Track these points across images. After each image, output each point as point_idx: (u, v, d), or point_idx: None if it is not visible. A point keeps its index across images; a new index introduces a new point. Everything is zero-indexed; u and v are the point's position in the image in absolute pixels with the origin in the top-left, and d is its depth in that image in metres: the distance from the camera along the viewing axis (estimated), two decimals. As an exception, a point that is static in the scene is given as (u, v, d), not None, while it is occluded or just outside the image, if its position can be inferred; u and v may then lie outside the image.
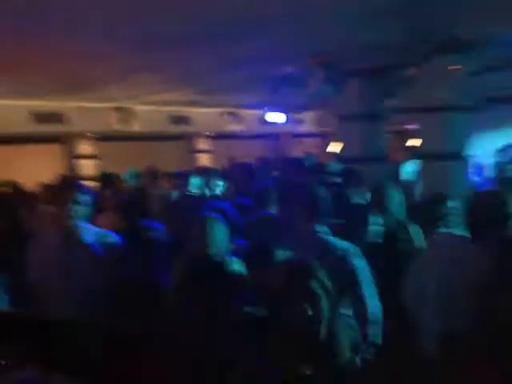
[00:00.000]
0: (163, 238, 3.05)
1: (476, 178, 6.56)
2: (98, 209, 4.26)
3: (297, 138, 12.96)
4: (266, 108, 9.50)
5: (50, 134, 9.13)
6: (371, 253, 2.97)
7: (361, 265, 2.70)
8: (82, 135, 9.79)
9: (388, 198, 3.67)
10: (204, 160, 11.60)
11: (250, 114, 11.93)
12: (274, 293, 2.16)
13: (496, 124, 7.98)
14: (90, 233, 3.01)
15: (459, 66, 5.60)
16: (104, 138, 9.89)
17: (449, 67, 5.58)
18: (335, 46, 5.51)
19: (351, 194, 4.80)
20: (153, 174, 7.07)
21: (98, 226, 3.30)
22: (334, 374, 1.75)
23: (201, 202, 4.61)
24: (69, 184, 3.53)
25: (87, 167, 9.64)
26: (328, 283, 1.92)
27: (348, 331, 2.03)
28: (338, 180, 5.58)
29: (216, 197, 5.55)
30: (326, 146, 10.82)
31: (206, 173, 6.47)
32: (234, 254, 3.04)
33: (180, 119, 10.96)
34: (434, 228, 3.32)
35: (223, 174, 6.42)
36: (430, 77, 5.75)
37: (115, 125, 9.82)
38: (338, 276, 2.46)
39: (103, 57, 5.49)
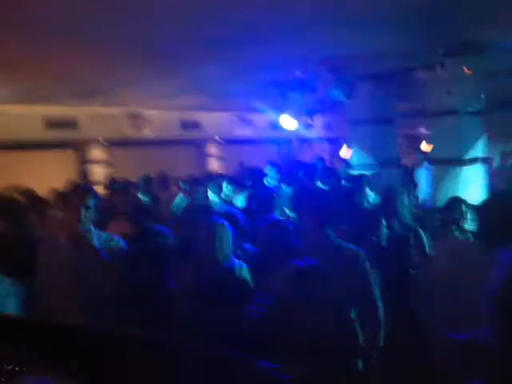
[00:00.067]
0: (172, 244, 3.05)
1: (489, 183, 6.49)
2: (110, 215, 4.28)
3: (307, 143, 12.93)
4: (276, 113, 9.49)
5: (63, 139, 9.20)
6: (382, 257, 2.95)
7: (370, 268, 2.69)
8: (94, 141, 9.86)
9: (399, 202, 3.65)
10: (215, 165, 11.61)
11: (261, 118, 11.93)
12: (283, 297, 2.16)
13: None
14: (99, 238, 3.02)
15: (471, 70, 5.55)
16: (116, 143, 9.96)
17: (461, 71, 5.53)
18: (346, 50, 5.49)
19: (362, 198, 4.78)
20: (163, 180, 7.10)
21: (110, 232, 3.31)
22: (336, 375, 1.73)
23: (210, 208, 4.61)
24: (80, 189, 3.55)
25: (99, 173, 9.69)
26: (337, 286, 1.91)
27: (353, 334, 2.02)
28: (349, 185, 5.56)
29: (225, 202, 5.55)
30: (337, 151, 10.78)
31: (215, 178, 6.48)
32: (243, 259, 3.03)
33: (191, 124, 10.99)
34: (447, 233, 3.28)
35: (234, 179, 6.42)
36: (442, 81, 5.70)
37: (127, 130, 9.87)
38: (350, 277, 2.45)
39: (115, 64, 5.53)
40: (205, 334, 2.49)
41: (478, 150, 5.74)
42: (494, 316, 1.91)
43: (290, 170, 7.72)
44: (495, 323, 1.88)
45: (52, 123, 8.87)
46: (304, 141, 12.88)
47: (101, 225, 3.27)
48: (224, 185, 6.06)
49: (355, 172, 6.19)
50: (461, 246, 2.83)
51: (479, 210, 2.58)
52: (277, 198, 4.46)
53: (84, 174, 9.61)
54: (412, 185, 6.57)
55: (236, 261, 2.96)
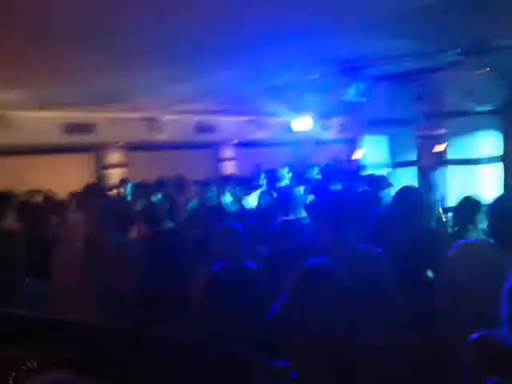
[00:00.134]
0: (187, 245, 3.07)
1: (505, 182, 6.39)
2: (128, 219, 4.32)
3: (323, 145, 12.89)
4: (292, 115, 9.49)
5: (80, 144, 9.35)
6: (401, 257, 2.92)
7: (387, 268, 2.66)
8: (111, 145, 9.99)
9: (418, 203, 3.61)
10: (230, 168, 11.65)
11: (276, 121, 11.94)
12: (295, 297, 2.15)
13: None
14: (116, 239, 3.05)
15: (487, 70, 5.49)
16: (133, 147, 10.07)
17: (478, 70, 5.48)
18: (364, 51, 5.47)
19: (379, 199, 4.74)
20: (180, 183, 7.15)
21: (127, 234, 3.35)
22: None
23: (221, 209, 4.63)
24: (96, 192, 3.60)
25: (117, 176, 9.81)
26: (352, 286, 1.90)
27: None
28: (366, 186, 5.52)
29: (239, 204, 5.57)
30: (353, 153, 10.73)
31: (228, 180, 6.50)
32: (255, 260, 3.04)
33: (206, 128, 11.06)
34: (464, 232, 3.24)
35: (247, 181, 6.43)
36: (460, 80, 5.65)
37: (144, 134, 9.98)
38: (368, 278, 2.43)
39: (132, 69, 5.60)
40: (218, 334, 2.49)
41: (495, 149, 5.67)
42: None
43: (306, 171, 7.71)
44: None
45: (71, 128, 9.03)
46: (320, 142, 12.85)
47: (117, 227, 3.30)
48: (237, 186, 6.08)
49: (371, 173, 6.15)
50: (477, 246, 2.79)
51: (492, 209, 2.55)
52: (292, 199, 4.46)
53: (102, 178, 9.73)
54: (429, 185, 6.50)
55: (248, 262, 2.96)
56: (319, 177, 6.31)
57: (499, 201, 2.65)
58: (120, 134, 9.62)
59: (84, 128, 9.20)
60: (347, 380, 2.04)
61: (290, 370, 1.35)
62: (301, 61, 5.75)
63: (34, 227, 3.69)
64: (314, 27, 4.41)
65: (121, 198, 5.69)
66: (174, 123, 10.31)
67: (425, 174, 7.27)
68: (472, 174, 5.47)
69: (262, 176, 5.89)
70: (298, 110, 8.02)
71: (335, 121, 12.82)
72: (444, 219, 4.03)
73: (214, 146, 11.74)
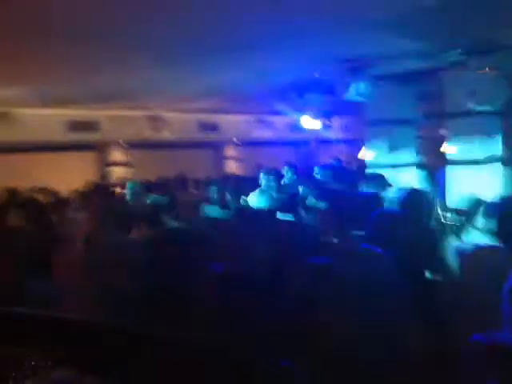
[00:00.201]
0: (191, 244, 3.09)
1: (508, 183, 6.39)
2: (130, 218, 4.34)
3: (325, 145, 12.89)
4: (295, 115, 9.49)
5: (84, 141, 9.38)
6: (404, 259, 2.93)
7: (388, 269, 2.66)
8: (114, 143, 10.02)
9: (420, 204, 3.62)
10: (233, 167, 11.66)
11: (279, 120, 11.95)
12: (299, 297, 2.17)
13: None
14: (117, 237, 3.07)
15: (492, 70, 5.48)
16: (136, 145, 10.10)
17: (481, 71, 5.47)
18: (366, 50, 5.47)
19: (381, 199, 4.75)
20: (182, 181, 7.17)
21: (129, 232, 3.37)
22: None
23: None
24: (99, 191, 3.63)
25: (119, 174, 9.84)
26: (355, 287, 1.92)
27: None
28: (368, 186, 5.52)
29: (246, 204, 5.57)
30: (355, 153, 10.73)
31: (231, 179, 6.51)
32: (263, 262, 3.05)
33: (209, 126, 11.08)
34: (466, 232, 3.26)
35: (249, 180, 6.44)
36: (463, 81, 5.65)
37: (147, 132, 10.00)
38: (371, 278, 2.44)
39: (136, 68, 5.62)
40: (225, 334, 2.52)
41: (497, 149, 5.67)
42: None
43: (308, 171, 7.72)
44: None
45: (75, 126, 9.06)
46: (322, 142, 12.85)
47: (119, 226, 3.33)
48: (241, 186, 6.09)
49: (374, 173, 6.16)
50: (482, 247, 2.80)
51: (495, 209, 2.56)
52: (295, 198, 4.48)
53: (105, 176, 9.77)
54: (432, 186, 6.50)
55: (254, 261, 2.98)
56: (321, 176, 6.31)
57: (504, 201, 2.66)
58: (123, 132, 9.65)
59: (87, 126, 9.24)
60: (348, 381, 2.06)
61: (294, 369, 1.37)
62: (302, 60, 5.76)
63: (37, 225, 3.72)
64: (315, 26, 4.43)
65: (123, 197, 5.71)
66: (178, 121, 10.33)
67: (427, 175, 7.27)
68: (475, 175, 5.48)
69: (262, 176, 5.89)
70: (300, 109, 8.03)
71: (337, 120, 12.81)
72: (447, 220, 4.04)
73: (216, 145, 11.76)
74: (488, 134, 5.63)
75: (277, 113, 9.87)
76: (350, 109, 8.33)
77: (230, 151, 11.94)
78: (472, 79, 5.56)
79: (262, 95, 8.20)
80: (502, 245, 2.54)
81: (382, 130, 6.77)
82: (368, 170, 6.83)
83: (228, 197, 5.63)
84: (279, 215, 4.27)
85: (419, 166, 7.19)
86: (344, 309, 2.05)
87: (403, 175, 6.18)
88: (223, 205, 4.97)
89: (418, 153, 7.16)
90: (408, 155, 6.79)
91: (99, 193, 4.65)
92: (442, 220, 4.32)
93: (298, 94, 7.03)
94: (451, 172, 6.03)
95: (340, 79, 6.20)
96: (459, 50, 5.39)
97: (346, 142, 12.84)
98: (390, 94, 6.66)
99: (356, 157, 9.85)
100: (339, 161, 8.91)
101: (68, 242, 3.19)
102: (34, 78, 5.96)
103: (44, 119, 8.57)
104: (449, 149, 6.33)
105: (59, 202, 5.15)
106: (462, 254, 3.11)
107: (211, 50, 4.94)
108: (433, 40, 5.09)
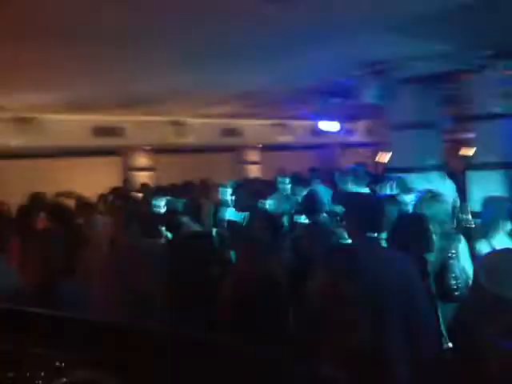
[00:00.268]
0: (211, 247, 3.12)
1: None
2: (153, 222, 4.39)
3: (348, 149, 12.82)
4: (317, 119, 9.48)
5: (108, 146, 9.53)
6: (422, 264, 2.90)
7: (415, 273, 2.60)
8: (138, 148, 10.15)
9: (441, 207, 3.57)
10: (255, 171, 11.69)
11: (301, 124, 11.93)
12: (320, 299, 2.17)
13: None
14: (142, 240, 3.11)
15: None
16: (160, 150, 10.22)
17: (504, 73, 5.37)
18: (387, 54, 5.43)
19: (403, 203, 4.70)
20: (205, 186, 7.21)
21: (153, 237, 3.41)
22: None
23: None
24: (123, 196, 3.68)
25: (143, 179, 9.96)
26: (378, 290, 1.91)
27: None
28: (389, 190, 5.47)
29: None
30: (378, 156, 10.64)
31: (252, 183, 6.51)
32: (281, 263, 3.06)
33: (231, 131, 11.13)
34: (490, 236, 3.20)
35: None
36: (489, 83, 5.55)
37: (170, 138, 10.10)
38: (394, 282, 2.42)
39: (160, 72, 5.68)
40: (244, 335, 2.52)
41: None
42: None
43: (331, 175, 7.68)
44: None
45: (99, 131, 9.21)
46: (345, 146, 12.78)
47: (142, 229, 3.37)
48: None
49: (395, 176, 6.08)
50: (501, 255, 2.74)
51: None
52: (317, 202, 4.47)
53: (129, 181, 9.89)
54: (456, 190, 6.40)
55: (273, 265, 2.99)
56: (342, 180, 6.27)
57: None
58: (147, 138, 9.77)
59: (112, 131, 9.38)
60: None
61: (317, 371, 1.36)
62: (326, 63, 5.73)
63: (63, 228, 3.79)
64: (339, 30, 4.40)
65: (146, 202, 5.78)
66: (200, 126, 10.41)
67: (451, 178, 7.16)
68: (501, 179, 5.37)
69: (281, 180, 5.90)
70: (323, 113, 8.01)
71: (360, 124, 12.74)
72: (470, 223, 3.97)
73: (238, 150, 11.81)
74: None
75: (299, 117, 9.87)
76: (373, 112, 8.27)
77: (251, 155, 11.98)
78: (498, 81, 5.46)
79: (285, 99, 8.21)
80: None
81: (405, 133, 6.69)
82: (390, 174, 6.75)
83: (248, 200, 5.64)
84: (298, 218, 4.27)
85: (443, 169, 7.09)
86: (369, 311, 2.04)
87: (426, 179, 6.09)
88: (242, 208, 4.98)
89: (441, 156, 7.06)
90: (432, 159, 6.68)
91: (123, 197, 4.72)
92: (465, 224, 4.25)
93: (321, 98, 7.01)
94: (475, 175, 5.92)
95: (363, 82, 6.16)
96: (486, 52, 5.30)
97: (368, 145, 12.76)
98: (414, 97, 6.58)
99: (378, 160, 9.78)
100: (361, 165, 8.84)
101: (93, 245, 3.24)
102: (60, 84, 6.07)
103: (69, 125, 8.73)
104: (473, 152, 6.23)
105: (84, 206, 5.23)
106: (485, 256, 3.05)
107: (236, 55, 4.96)
108: (459, 42, 5.01)
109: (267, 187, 6.28)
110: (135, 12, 3.58)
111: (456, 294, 3.04)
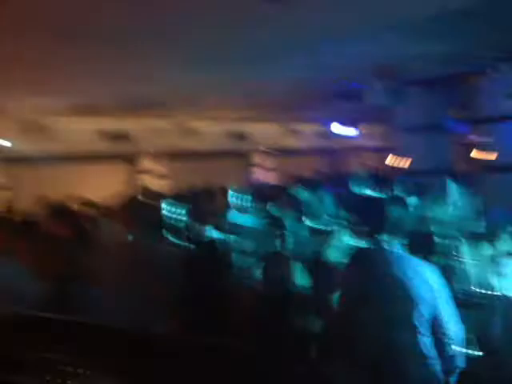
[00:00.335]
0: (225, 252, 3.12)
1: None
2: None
3: (358, 152, 12.78)
4: (326, 123, 9.45)
5: (116, 152, 9.56)
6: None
7: (435, 280, 2.54)
8: (147, 153, 10.17)
9: (449, 211, 3.53)
10: (263, 175, 11.67)
11: (309, 128, 11.91)
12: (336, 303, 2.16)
13: None
14: (153, 245, 3.10)
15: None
16: (167, 155, 10.23)
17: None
18: (397, 56, 5.40)
19: (413, 207, 4.66)
20: (210, 190, 7.18)
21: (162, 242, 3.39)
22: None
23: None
24: (132, 201, 3.67)
25: (151, 183, 9.97)
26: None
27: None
28: (400, 193, 5.43)
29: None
30: (388, 160, 10.58)
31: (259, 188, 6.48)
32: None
33: (239, 135, 11.13)
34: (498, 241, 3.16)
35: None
36: (498, 85, 5.51)
37: (178, 142, 10.12)
38: (405, 278, 2.38)
39: (159, 75, 5.69)
40: (262, 339, 2.52)
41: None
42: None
43: (340, 178, 7.65)
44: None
45: (107, 136, 9.25)
46: (354, 149, 12.73)
47: (151, 234, 3.35)
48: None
49: (404, 179, 6.05)
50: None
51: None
52: (327, 206, 4.46)
53: (138, 186, 9.90)
54: (466, 193, 6.34)
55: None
56: (351, 184, 6.24)
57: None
58: (155, 142, 9.79)
59: (120, 136, 9.41)
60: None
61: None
62: (334, 67, 5.71)
63: (72, 233, 3.79)
64: (347, 32, 4.39)
65: (155, 206, 5.78)
66: (208, 130, 10.42)
67: (462, 182, 7.09)
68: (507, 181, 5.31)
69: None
70: (332, 116, 7.99)
71: (369, 127, 12.69)
72: (480, 228, 3.93)
73: (247, 153, 11.81)
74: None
75: (308, 121, 9.85)
76: (382, 115, 8.23)
77: (260, 160, 11.97)
78: (507, 83, 5.42)
79: (293, 103, 8.19)
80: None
81: (414, 136, 6.65)
82: (399, 177, 6.71)
83: (255, 205, 5.62)
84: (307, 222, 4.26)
85: (453, 172, 7.03)
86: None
87: (436, 182, 6.04)
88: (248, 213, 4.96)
89: (451, 159, 7.01)
90: (441, 162, 6.64)
91: (131, 202, 4.69)
92: (475, 228, 4.21)
93: (330, 101, 6.99)
94: (485, 178, 5.87)
95: (372, 85, 6.13)
96: (496, 54, 5.27)
97: (377, 148, 12.69)
98: (423, 100, 6.55)
99: (387, 163, 9.72)
100: (370, 168, 8.80)
101: (102, 250, 3.24)
102: (68, 88, 6.09)
103: (78, 130, 8.77)
104: (483, 155, 6.17)
105: (93, 211, 5.24)
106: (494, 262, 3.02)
107: (236, 53, 4.94)
108: (466, 44, 4.98)
109: (277, 192, 6.26)
110: (146, 14, 3.58)
111: (461, 298, 3.00)
